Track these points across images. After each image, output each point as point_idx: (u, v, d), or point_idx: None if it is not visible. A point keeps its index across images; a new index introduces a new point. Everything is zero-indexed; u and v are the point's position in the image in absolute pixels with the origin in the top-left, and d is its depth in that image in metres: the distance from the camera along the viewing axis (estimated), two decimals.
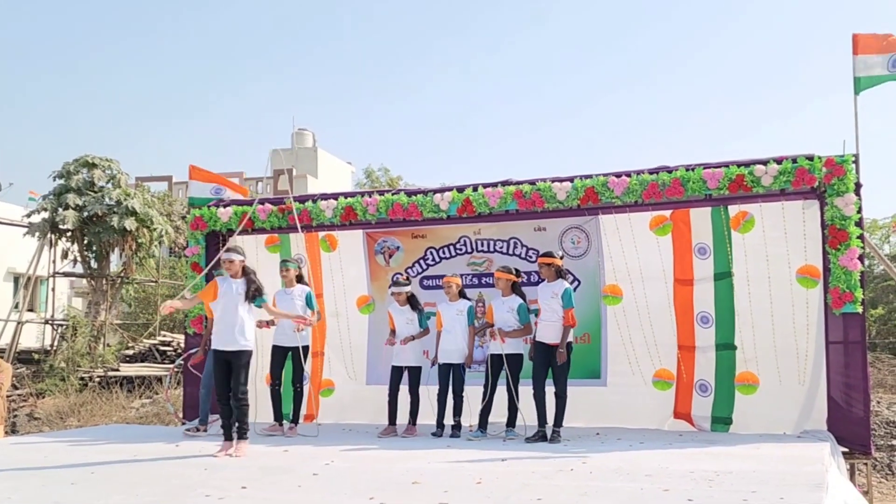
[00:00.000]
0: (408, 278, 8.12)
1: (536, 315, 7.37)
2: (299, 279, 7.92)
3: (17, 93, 63.50)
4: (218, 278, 6.67)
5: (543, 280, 7.40)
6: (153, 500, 4.66)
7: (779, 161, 7.15)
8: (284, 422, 7.95)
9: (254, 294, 6.43)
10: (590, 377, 8.14)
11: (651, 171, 7.60)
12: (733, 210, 7.45)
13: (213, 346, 6.61)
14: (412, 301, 7.85)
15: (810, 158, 7.06)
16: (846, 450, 6.83)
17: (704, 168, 7.39)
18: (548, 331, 7.18)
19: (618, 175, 7.69)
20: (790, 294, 7.33)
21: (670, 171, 7.51)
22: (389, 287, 7.98)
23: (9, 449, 7.01)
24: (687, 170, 7.45)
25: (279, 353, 7.82)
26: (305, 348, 7.87)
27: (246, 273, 6.52)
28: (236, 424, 6.46)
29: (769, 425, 7.30)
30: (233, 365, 6.41)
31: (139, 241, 16.89)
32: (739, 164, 7.28)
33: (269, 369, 7.99)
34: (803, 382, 7.32)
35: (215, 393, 6.71)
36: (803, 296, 7.29)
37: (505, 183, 8.12)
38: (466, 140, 64.34)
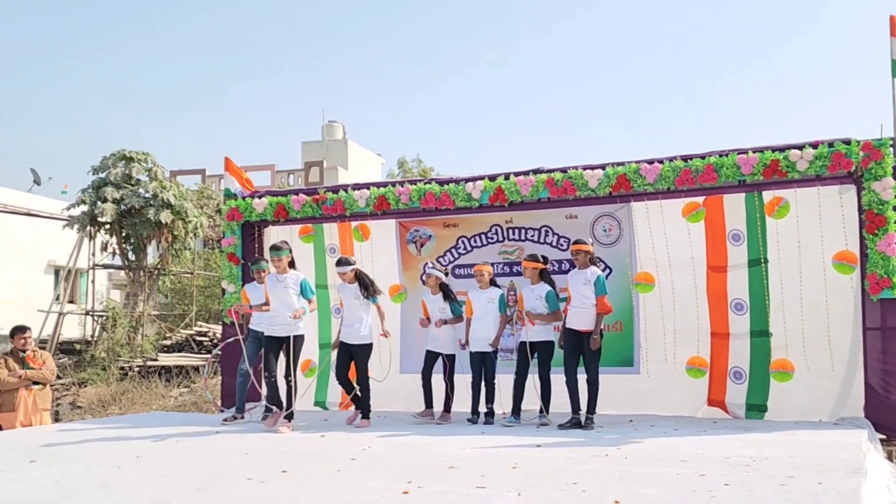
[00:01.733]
0: (446, 270, 8.19)
1: (566, 302, 7.39)
2: (291, 265, 7.47)
3: (54, 89, 64.73)
4: (338, 285, 7.85)
5: (574, 267, 7.42)
6: (198, 483, 4.79)
7: (814, 145, 7.08)
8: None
9: (371, 293, 7.54)
10: (622, 365, 8.15)
11: (684, 158, 7.56)
12: (767, 196, 7.39)
13: (340, 338, 7.70)
14: (445, 290, 7.91)
15: (847, 142, 6.98)
16: (884, 437, 6.76)
17: (738, 153, 7.33)
18: (578, 317, 7.19)
19: (650, 162, 7.67)
20: (826, 280, 7.26)
21: (703, 158, 7.48)
22: (424, 270, 8.06)
23: (56, 435, 7.21)
24: (720, 156, 7.40)
25: (274, 344, 7.37)
26: (299, 338, 7.37)
27: (358, 277, 7.52)
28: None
29: (805, 412, 7.27)
30: (355, 356, 7.52)
31: (174, 233, 17.18)
32: (774, 150, 7.22)
33: (263, 359, 7.49)
34: (840, 369, 7.26)
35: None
36: (840, 282, 7.22)
37: (536, 171, 8.14)
38: (500, 131, 64.19)
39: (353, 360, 7.63)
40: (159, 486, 4.76)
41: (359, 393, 7.63)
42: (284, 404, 7.33)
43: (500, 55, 67.07)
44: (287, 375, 7.28)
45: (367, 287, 7.54)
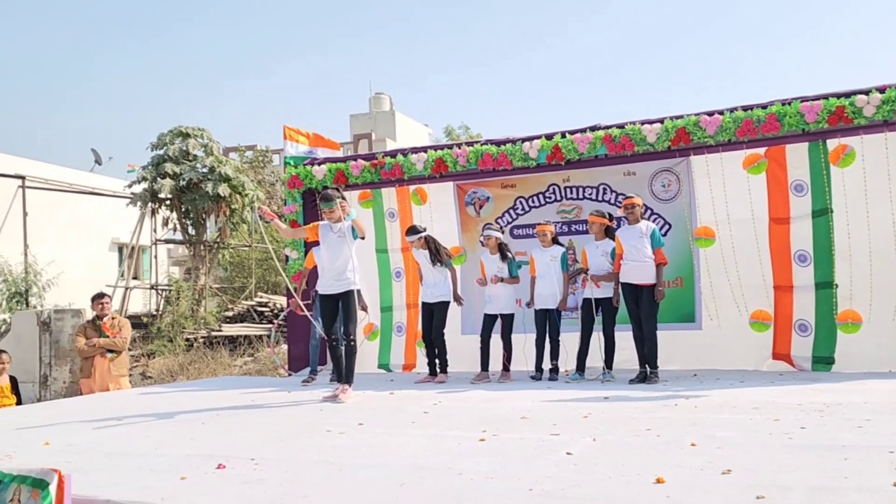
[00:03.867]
0: (501, 228, 8.25)
1: (615, 258, 7.32)
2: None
3: (110, 72, 66.04)
4: (414, 251, 8.04)
5: (625, 224, 7.38)
6: (280, 435, 4.99)
7: (881, 90, 6.90)
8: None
9: (438, 258, 7.86)
10: (684, 321, 8.13)
11: (744, 108, 7.45)
12: (832, 144, 7.24)
13: (421, 299, 8.12)
14: (503, 250, 7.96)
15: None
16: None
17: (801, 101, 7.19)
18: (636, 271, 7.13)
19: (709, 114, 7.57)
20: (893, 229, 7.12)
21: (765, 107, 7.35)
22: (482, 232, 8.10)
23: (136, 398, 7.53)
24: (783, 104, 7.27)
25: (328, 303, 6.70)
26: (352, 293, 6.61)
27: (428, 243, 7.84)
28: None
29: (874, 363, 7.18)
30: (434, 313, 7.88)
31: (232, 206, 17.51)
32: (839, 96, 7.06)
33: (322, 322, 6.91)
34: None
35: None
36: None
37: (593, 128, 8.10)
38: (550, 100, 63.53)
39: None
40: (244, 437, 4.97)
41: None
42: (344, 370, 6.68)
43: (545, 27, 66.09)
44: (346, 335, 6.60)
45: (434, 253, 7.81)
